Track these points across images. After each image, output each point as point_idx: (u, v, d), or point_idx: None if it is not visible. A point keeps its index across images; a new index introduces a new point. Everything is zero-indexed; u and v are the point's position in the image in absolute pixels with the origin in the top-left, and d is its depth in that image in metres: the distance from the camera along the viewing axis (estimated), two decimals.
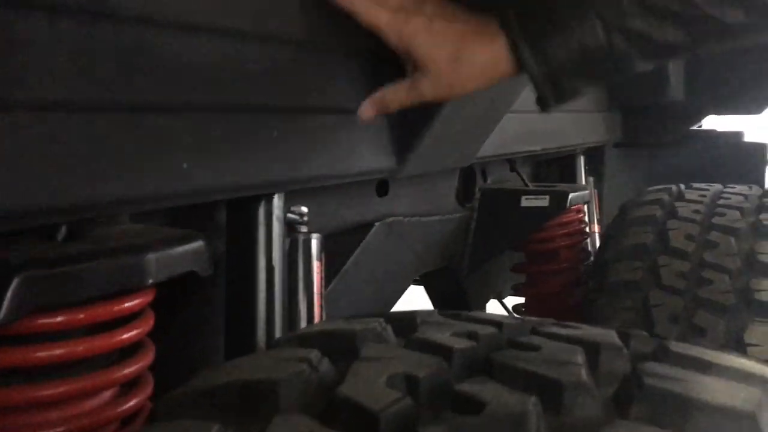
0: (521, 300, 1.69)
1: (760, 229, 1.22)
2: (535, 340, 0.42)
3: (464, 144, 1.11)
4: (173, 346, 0.69)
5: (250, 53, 0.70)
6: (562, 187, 1.56)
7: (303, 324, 0.83)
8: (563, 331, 0.44)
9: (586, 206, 1.84)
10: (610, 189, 2.02)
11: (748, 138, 1.92)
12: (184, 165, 0.62)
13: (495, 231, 1.55)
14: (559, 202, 1.49)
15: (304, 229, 0.86)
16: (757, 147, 1.87)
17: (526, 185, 1.63)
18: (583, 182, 1.88)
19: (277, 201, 0.80)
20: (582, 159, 1.89)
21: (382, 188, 1.20)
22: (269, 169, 0.74)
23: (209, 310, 0.79)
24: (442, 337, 0.42)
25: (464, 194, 1.53)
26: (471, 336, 0.42)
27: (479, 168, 1.59)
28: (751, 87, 1.79)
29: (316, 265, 0.85)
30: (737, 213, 1.28)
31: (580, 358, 0.39)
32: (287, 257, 0.83)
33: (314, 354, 0.41)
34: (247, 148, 0.71)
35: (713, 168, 1.89)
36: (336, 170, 0.85)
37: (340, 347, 0.42)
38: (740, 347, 1.08)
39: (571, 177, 1.89)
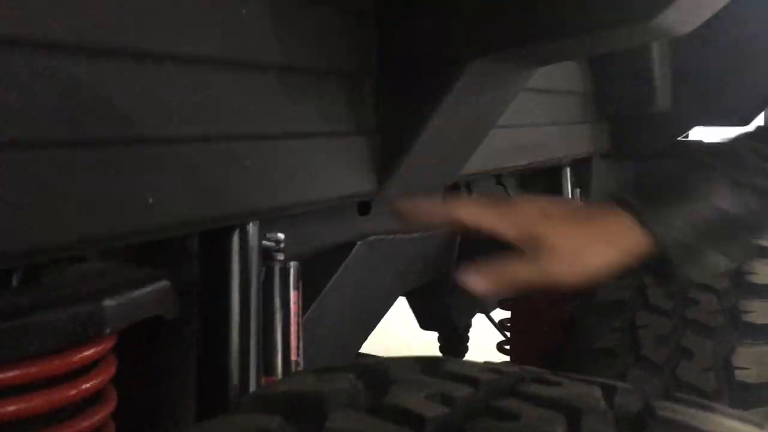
0: (508, 314, 1.67)
1: None
2: (514, 404, 0.39)
3: (448, 162, 1.09)
4: (141, 389, 0.66)
5: (217, 80, 0.67)
6: None
7: (279, 357, 0.80)
8: (544, 392, 0.42)
9: None
10: (598, 200, 2.00)
11: None
12: (149, 199, 0.59)
13: (479, 246, 1.52)
14: None
15: (280, 256, 0.83)
16: None
17: (510, 197, 1.61)
18: (570, 193, 1.86)
19: (252, 229, 0.77)
20: (568, 170, 1.86)
21: (364, 207, 1.17)
22: (242, 198, 0.72)
23: (180, 348, 0.76)
24: (415, 402, 0.39)
25: None
26: (445, 400, 0.40)
27: (464, 182, 1.57)
28: (738, 99, 1.77)
29: (293, 294, 0.82)
30: None
31: (560, 430, 0.37)
32: (263, 287, 0.80)
33: (276, 422, 0.38)
34: (217, 179, 0.68)
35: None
36: (312, 196, 0.82)
37: (307, 412, 0.40)
38: (728, 370, 1.06)
39: (557, 188, 1.87)
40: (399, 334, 2.18)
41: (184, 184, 0.64)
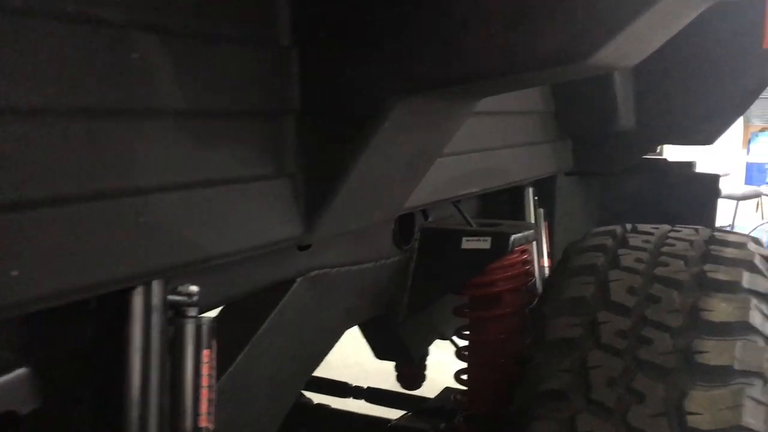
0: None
1: (704, 282, 1.16)
2: None
3: (388, 197, 1.03)
4: None
5: (103, 131, 0.61)
6: (505, 227, 1.48)
7: (187, 424, 0.74)
8: None
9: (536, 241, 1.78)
10: (563, 219, 1.96)
11: (699, 168, 1.87)
12: (13, 272, 0.53)
13: (435, 274, 1.47)
14: (501, 244, 1.42)
15: (192, 312, 0.77)
16: (709, 178, 1.82)
17: (469, 224, 1.56)
18: (532, 214, 1.81)
19: (156, 288, 0.71)
20: (530, 191, 1.82)
21: None
22: (138, 258, 0.66)
23: (73, 421, 0.69)
24: None
25: (403, 236, 1.45)
26: None
27: (419, 209, 1.51)
28: (702, 118, 1.74)
29: (205, 353, 0.76)
30: (681, 263, 1.22)
31: None
32: (171, 346, 0.74)
33: None
34: (105, 240, 0.62)
35: (665, 198, 1.84)
36: (226, 248, 0.76)
37: None
38: (680, 415, 1.01)
39: (520, 208, 1.82)
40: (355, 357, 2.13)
41: (63, 249, 0.58)
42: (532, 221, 1.81)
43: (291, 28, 0.81)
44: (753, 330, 1.09)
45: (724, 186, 7.31)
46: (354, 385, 1.91)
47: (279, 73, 0.80)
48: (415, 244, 1.48)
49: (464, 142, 1.36)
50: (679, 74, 1.72)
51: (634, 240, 1.31)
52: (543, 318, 1.23)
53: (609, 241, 1.33)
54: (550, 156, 1.79)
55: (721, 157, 7.73)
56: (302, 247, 1.11)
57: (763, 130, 8.64)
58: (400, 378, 1.67)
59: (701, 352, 1.06)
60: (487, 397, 1.46)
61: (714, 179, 1.82)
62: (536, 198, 1.86)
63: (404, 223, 1.45)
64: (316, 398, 1.90)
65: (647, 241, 1.30)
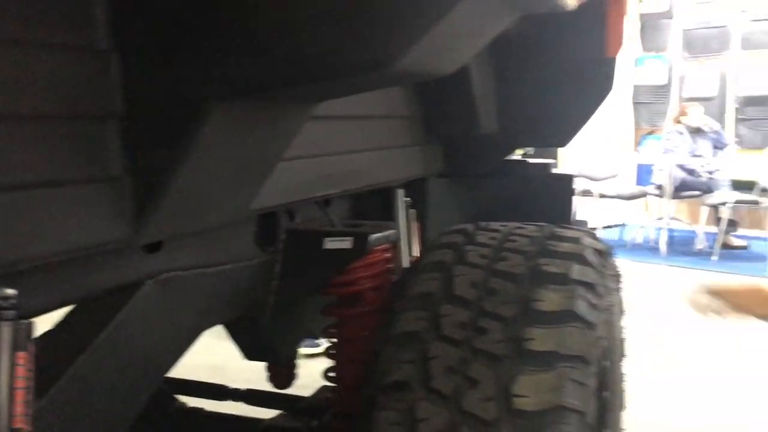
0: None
1: (538, 275, 1.24)
2: None
3: (225, 199, 1.05)
4: None
5: None
6: (367, 227, 1.53)
7: (2, 426, 0.74)
8: None
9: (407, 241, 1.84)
10: (435, 219, 2.03)
11: (556, 169, 1.99)
12: None
13: (300, 275, 1.51)
14: (361, 244, 1.47)
15: (8, 315, 0.77)
16: (564, 178, 1.94)
17: (333, 225, 1.60)
18: (402, 215, 1.88)
19: None
20: (400, 192, 1.88)
21: (154, 243, 1.12)
22: None
23: None
24: None
25: (266, 237, 1.48)
26: None
27: (284, 209, 1.54)
28: (556, 122, 1.85)
29: (21, 355, 0.77)
30: (520, 257, 1.30)
31: None
32: None
33: None
34: None
35: (525, 198, 1.94)
36: (38, 251, 0.77)
37: None
38: (507, 398, 1.08)
39: (391, 210, 1.88)
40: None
41: None
42: (403, 222, 1.87)
43: (110, 32, 0.82)
44: (578, 318, 1.18)
45: (615, 187, 7.66)
46: (232, 387, 1.92)
47: (98, 77, 0.82)
48: (280, 245, 1.51)
49: (323, 145, 1.40)
50: (535, 80, 1.82)
51: (482, 237, 1.39)
52: (392, 314, 1.28)
53: (459, 239, 1.40)
54: (418, 159, 1.86)
55: (613, 159, 8.13)
56: (151, 250, 1.12)
57: (650, 133, 9.13)
58: (272, 378, 1.70)
59: (530, 340, 1.14)
60: (355, 393, 1.51)
61: (568, 179, 1.93)
62: (407, 199, 1.93)
63: (268, 225, 1.48)
64: (193, 403, 1.90)
65: (493, 238, 1.38)
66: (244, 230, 1.40)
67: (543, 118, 1.85)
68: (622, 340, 1.80)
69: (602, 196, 7.59)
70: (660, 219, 7.46)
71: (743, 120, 8.34)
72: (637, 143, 9.28)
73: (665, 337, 4.65)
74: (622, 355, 1.81)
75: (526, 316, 1.17)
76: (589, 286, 1.25)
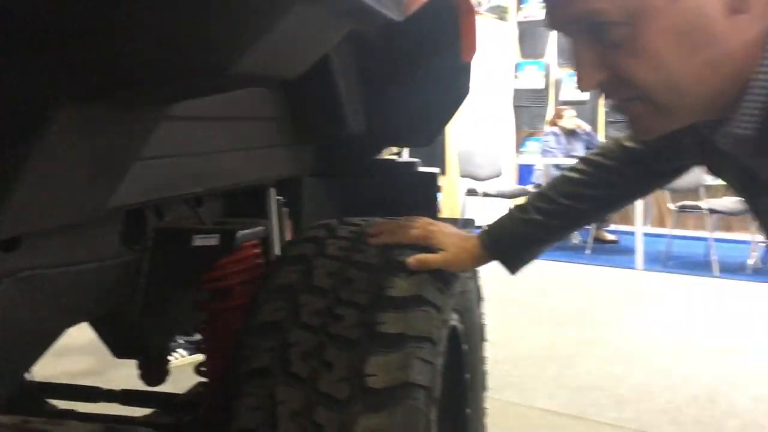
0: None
1: (392, 264, 1.34)
2: None
3: (83, 196, 1.08)
4: None
5: None
6: (236, 224, 1.59)
7: None
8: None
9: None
10: (309, 217, 2.10)
11: (422, 168, 2.10)
12: None
13: (168, 272, 1.54)
14: (229, 240, 1.51)
15: None
16: (429, 175, 2.06)
17: (202, 223, 1.64)
18: (275, 213, 1.94)
19: None
20: (272, 191, 1.94)
21: (10, 242, 1.13)
22: None
23: None
24: None
25: (133, 235, 1.50)
26: None
27: (152, 207, 1.57)
28: (420, 123, 1.96)
29: None
30: (376, 249, 1.39)
31: None
32: None
33: None
34: None
35: (393, 196, 2.05)
36: None
37: None
38: (360, 378, 1.17)
39: (263, 209, 1.93)
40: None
41: None
42: (275, 220, 1.93)
43: None
44: (426, 302, 1.28)
45: (498, 186, 7.96)
46: (105, 388, 1.91)
47: None
48: (149, 243, 1.53)
49: (187, 145, 1.44)
50: (399, 84, 1.93)
51: (342, 231, 1.47)
52: (255, 305, 1.34)
53: (321, 233, 1.48)
54: (288, 159, 1.92)
55: (497, 160, 8.49)
56: (8, 248, 1.13)
57: (530, 135, 9.60)
58: (143, 375, 1.71)
59: (381, 323, 1.23)
60: (225, 385, 1.55)
61: (433, 176, 2.06)
62: (280, 198, 1.99)
63: (135, 224, 1.50)
64: (66, 405, 1.88)
65: (353, 232, 1.46)
66: (109, 229, 1.42)
67: (407, 120, 1.95)
68: (481, 325, 1.93)
69: (486, 195, 7.92)
70: None
71: (612, 123, 8.92)
72: (519, 145, 9.73)
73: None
74: (482, 339, 1.94)
75: (378, 303, 1.26)
76: (438, 272, 1.36)
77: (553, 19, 0.97)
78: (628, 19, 0.88)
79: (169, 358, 3.95)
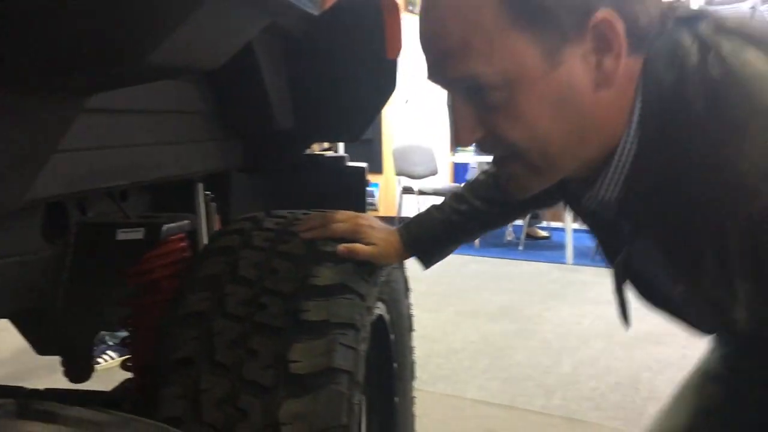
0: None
1: (317, 255, 1.37)
2: None
3: None
4: None
5: None
6: (162, 218, 1.58)
7: None
8: None
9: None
10: (237, 212, 2.11)
11: (350, 162, 2.14)
12: None
13: (92, 266, 1.52)
14: (154, 234, 1.51)
15: None
16: (357, 170, 2.09)
17: (127, 217, 1.63)
18: (202, 207, 1.94)
19: None
20: (200, 186, 1.94)
21: None
22: None
23: None
24: None
25: (54, 230, 1.48)
26: None
27: (74, 201, 1.55)
28: (346, 118, 1.99)
29: None
30: (301, 239, 1.41)
31: None
32: None
33: None
34: None
35: (322, 191, 2.07)
36: None
37: None
38: (284, 364, 1.19)
39: (192, 203, 1.93)
40: None
41: None
42: (203, 214, 1.93)
43: None
44: (349, 290, 1.31)
45: (433, 184, 8.06)
46: (29, 387, 1.87)
47: None
48: (71, 237, 1.52)
49: (108, 138, 1.43)
50: (326, 79, 1.95)
51: (268, 223, 1.49)
52: (180, 296, 1.35)
53: (247, 225, 1.49)
54: (215, 153, 1.92)
55: (433, 158, 8.60)
56: None
57: None
58: (67, 372, 1.69)
59: (305, 311, 1.26)
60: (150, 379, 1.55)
61: (361, 171, 2.09)
62: (208, 193, 1.99)
63: (56, 218, 1.49)
64: None
65: (278, 224, 1.48)
66: (29, 223, 1.40)
67: (334, 115, 1.98)
68: (409, 316, 1.98)
69: (421, 192, 8.02)
70: None
71: None
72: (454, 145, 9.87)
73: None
74: (410, 329, 1.99)
75: (302, 291, 1.29)
76: (363, 262, 1.39)
77: (435, 77, 1.00)
78: (505, 84, 0.92)
79: (99, 360, 3.86)
